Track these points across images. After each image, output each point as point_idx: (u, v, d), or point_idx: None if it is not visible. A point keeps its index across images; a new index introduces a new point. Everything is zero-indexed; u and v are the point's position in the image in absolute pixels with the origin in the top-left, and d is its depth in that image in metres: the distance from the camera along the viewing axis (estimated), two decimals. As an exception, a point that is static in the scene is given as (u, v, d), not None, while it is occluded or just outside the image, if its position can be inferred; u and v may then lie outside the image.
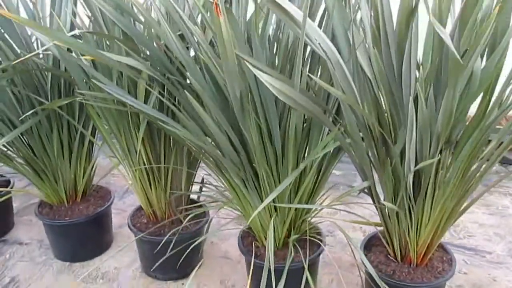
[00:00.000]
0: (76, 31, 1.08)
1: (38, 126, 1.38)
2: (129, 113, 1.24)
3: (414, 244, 1.11)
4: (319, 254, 1.25)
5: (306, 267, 1.12)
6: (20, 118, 1.33)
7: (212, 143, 1.12)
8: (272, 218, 1.10)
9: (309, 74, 0.98)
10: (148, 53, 1.12)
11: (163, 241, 1.32)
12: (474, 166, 1.04)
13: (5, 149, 1.48)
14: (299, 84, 0.89)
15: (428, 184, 1.00)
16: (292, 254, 1.15)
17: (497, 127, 0.99)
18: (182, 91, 1.11)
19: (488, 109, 0.96)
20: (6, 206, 1.77)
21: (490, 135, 1.00)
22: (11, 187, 1.74)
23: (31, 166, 1.47)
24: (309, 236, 1.25)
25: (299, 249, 1.21)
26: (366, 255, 1.21)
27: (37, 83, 1.36)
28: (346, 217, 1.58)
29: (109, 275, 1.50)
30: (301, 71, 0.99)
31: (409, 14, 0.73)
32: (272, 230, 1.04)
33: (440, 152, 0.98)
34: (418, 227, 1.09)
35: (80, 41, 1.19)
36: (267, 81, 0.78)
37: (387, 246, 1.19)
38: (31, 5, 1.38)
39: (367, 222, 1.22)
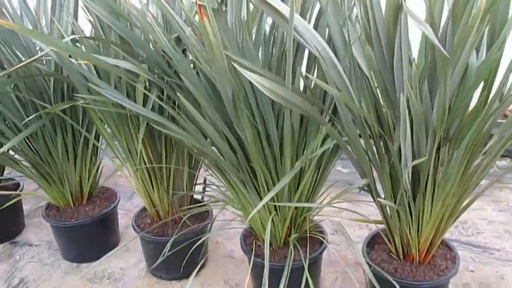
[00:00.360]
0: (74, 36, 1.09)
1: (42, 130, 1.41)
2: (128, 115, 1.26)
3: (415, 242, 1.10)
4: (321, 253, 1.25)
5: (306, 266, 1.12)
6: (23, 122, 1.36)
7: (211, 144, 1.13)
8: (271, 217, 1.10)
9: (304, 72, 0.98)
10: (145, 56, 1.13)
11: (170, 242, 1.32)
12: (476, 162, 1.02)
13: (12, 153, 1.51)
14: (292, 82, 0.88)
15: (427, 181, 0.99)
16: (293, 252, 1.15)
17: (499, 121, 0.97)
18: (180, 93, 1.11)
19: (488, 101, 0.94)
20: (16, 208, 1.81)
21: (493, 130, 0.98)
22: (21, 190, 1.77)
23: (37, 170, 1.50)
24: (311, 234, 1.25)
25: (301, 247, 1.21)
26: (368, 253, 1.20)
27: (41, 88, 1.39)
28: (350, 215, 1.57)
29: (115, 275, 1.52)
30: (295, 69, 0.99)
31: (396, 9, 0.72)
32: (269, 229, 1.04)
33: (439, 148, 0.97)
34: (419, 225, 1.07)
35: (78, 45, 1.21)
36: (257, 80, 0.78)
37: (389, 244, 1.18)
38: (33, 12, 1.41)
39: (368, 220, 1.21)
